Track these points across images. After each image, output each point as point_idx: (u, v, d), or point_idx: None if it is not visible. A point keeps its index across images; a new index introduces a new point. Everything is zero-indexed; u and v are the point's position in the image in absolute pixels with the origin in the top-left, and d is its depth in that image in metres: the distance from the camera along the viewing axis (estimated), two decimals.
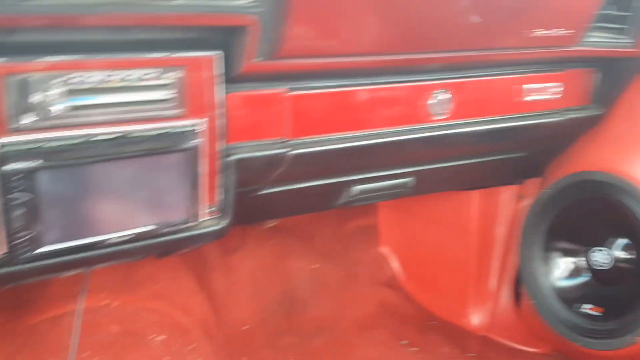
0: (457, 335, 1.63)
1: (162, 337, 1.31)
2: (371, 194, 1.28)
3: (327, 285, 1.67)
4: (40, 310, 1.24)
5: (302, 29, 0.91)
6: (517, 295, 1.65)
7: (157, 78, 0.87)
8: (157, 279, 1.38)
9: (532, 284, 1.48)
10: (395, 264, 1.81)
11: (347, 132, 1.09)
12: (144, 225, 0.91)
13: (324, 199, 1.26)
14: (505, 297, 1.66)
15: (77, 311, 1.19)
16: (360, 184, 1.25)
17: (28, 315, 1.22)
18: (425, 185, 1.38)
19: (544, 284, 1.47)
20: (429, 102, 1.17)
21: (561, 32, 1.18)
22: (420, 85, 1.15)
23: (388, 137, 1.14)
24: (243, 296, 1.54)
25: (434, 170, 1.34)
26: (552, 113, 1.36)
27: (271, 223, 1.64)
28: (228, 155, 0.98)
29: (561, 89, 1.36)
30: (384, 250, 1.82)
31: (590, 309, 1.41)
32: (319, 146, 1.07)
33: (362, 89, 1.09)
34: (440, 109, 1.19)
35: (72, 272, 1.06)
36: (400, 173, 1.29)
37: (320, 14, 0.92)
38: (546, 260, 1.49)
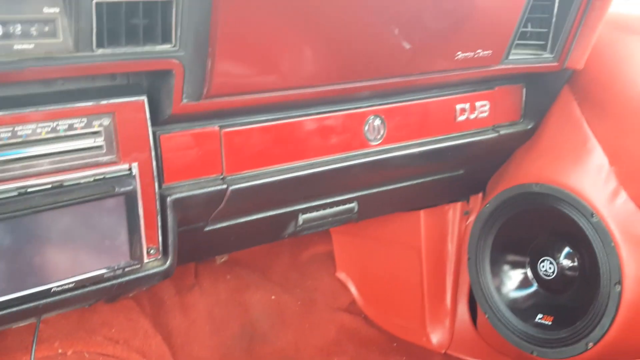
0: (419, 355, 1.65)
1: None
2: (317, 222, 1.31)
3: (286, 316, 1.67)
4: None
5: (226, 69, 0.95)
6: (474, 311, 1.68)
7: (87, 126, 0.90)
8: (111, 323, 1.38)
9: (485, 299, 1.51)
10: (353, 289, 1.82)
11: (284, 164, 1.12)
12: (89, 271, 0.92)
13: (271, 230, 1.29)
14: (462, 313, 1.69)
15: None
16: (305, 213, 1.28)
17: None
18: (370, 209, 1.42)
19: (495, 298, 1.50)
20: (364, 128, 1.22)
21: (483, 53, 1.24)
22: (353, 113, 1.19)
23: (326, 165, 1.17)
24: (202, 334, 1.53)
25: (377, 194, 1.38)
26: (485, 130, 1.41)
27: (222, 258, 1.65)
28: (167, 196, 1.00)
29: (491, 106, 1.41)
30: (341, 275, 1.84)
31: (542, 318, 1.44)
32: (257, 180, 1.09)
33: (296, 120, 1.13)
34: (375, 135, 1.23)
35: (23, 323, 1.05)
36: (344, 199, 1.33)
37: (242, 52, 0.95)
38: (496, 274, 1.52)
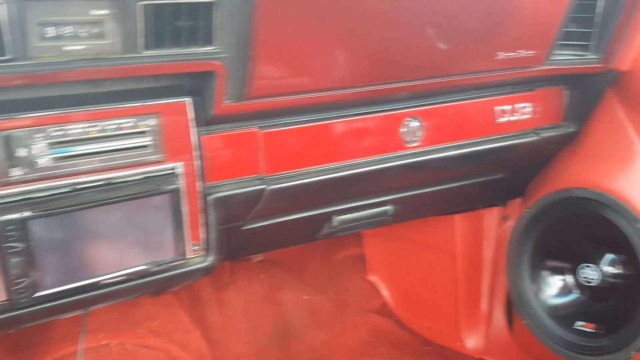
0: (453, 359, 1.64)
1: None
2: (352, 224, 1.31)
3: (319, 316, 1.69)
4: (43, 352, 1.27)
5: (268, 70, 0.97)
6: (510, 317, 1.65)
7: (134, 126, 0.93)
8: (153, 317, 1.42)
9: (523, 305, 1.49)
10: (385, 291, 1.82)
11: (322, 165, 1.14)
12: (135, 266, 0.96)
13: (306, 231, 1.30)
14: (498, 318, 1.67)
15: (79, 352, 1.22)
16: (341, 215, 1.29)
17: (31, 358, 1.25)
18: (405, 213, 1.41)
19: (534, 304, 1.48)
20: (401, 130, 1.22)
21: (524, 53, 1.22)
22: (391, 115, 1.19)
23: (363, 167, 1.18)
24: (237, 330, 1.56)
25: (413, 197, 1.37)
26: (526, 133, 1.39)
27: (257, 258, 1.68)
28: (209, 195, 1.02)
29: (532, 108, 1.39)
30: (372, 278, 1.84)
31: (583, 325, 1.41)
32: (295, 180, 1.11)
33: (334, 122, 1.14)
34: (413, 137, 1.23)
35: (70, 314, 1.09)
36: (380, 202, 1.32)
37: (284, 54, 0.97)
38: (535, 280, 1.50)
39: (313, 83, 1.04)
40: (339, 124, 1.14)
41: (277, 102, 1.03)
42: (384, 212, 1.35)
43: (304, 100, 1.06)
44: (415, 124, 1.23)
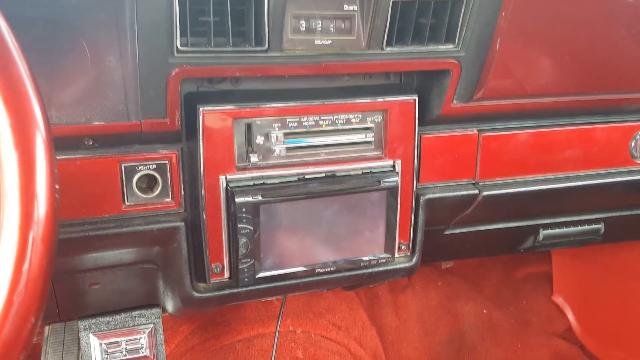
0: None
1: None
2: (558, 240, 1.23)
3: (498, 332, 1.61)
4: (236, 330, 1.35)
5: (503, 71, 0.93)
6: None
7: (362, 122, 0.94)
8: (334, 310, 1.44)
9: None
10: (570, 315, 1.68)
11: (539, 175, 1.07)
12: (348, 257, 0.97)
13: (508, 242, 1.24)
14: None
15: (276, 334, 1.26)
16: (547, 229, 1.21)
17: (225, 335, 1.34)
18: (617, 233, 1.30)
19: None
20: (630, 144, 1.11)
21: None
22: (620, 127, 1.10)
23: (583, 180, 1.09)
24: (411, 335, 1.54)
25: (629, 217, 1.25)
26: None
27: (447, 264, 1.63)
28: (420, 195, 1.01)
29: None
30: (558, 299, 1.71)
31: None
32: (509, 188, 1.06)
33: (556, 129, 1.07)
34: None
35: (276, 297, 1.13)
36: (590, 219, 1.23)
37: (522, 55, 0.93)
38: None
39: (541, 87, 0.98)
40: (563, 132, 1.07)
41: (502, 105, 0.99)
42: (595, 231, 1.25)
43: (527, 105, 1.00)
44: None
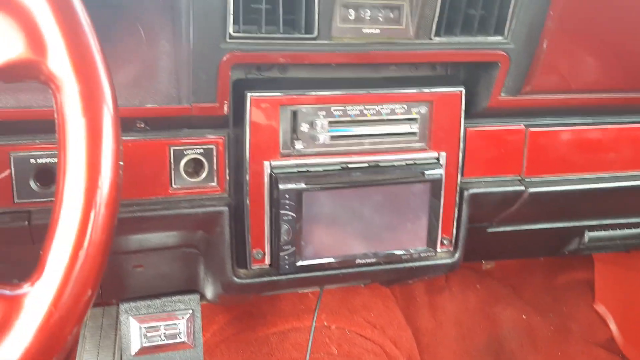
0: None
1: None
2: (604, 242, 1.19)
3: (537, 339, 1.56)
4: (271, 323, 1.36)
5: (552, 64, 0.92)
6: None
7: (407, 112, 0.93)
8: (370, 307, 1.43)
9: None
10: (612, 324, 1.63)
11: (587, 173, 1.05)
12: (389, 250, 0.96)
13: (553, 243, 1.21)
14: None
15: (312, 329, 1.26)
16: (593, 231, 1.18)
17: (260, 327, 1.35)
18: None
19: None
20: None
21: None
22: None
23: (630, 181, 1.06)
24: (448, 338, 1.51)
25: None
26: None
27: (488, 264, 1.61)
28: (464, 189, 1.00)
29: None
30: (600, 308, 1.66)
31: None
32: (556, 186, 1.03)
33: (604, 127, 1.04)
34: None
35: (314, 288, 1.12)
36: (638, 222, 1.19)
37: (572, 49, 0.92)
38: None
39: (590, 83, 0.96)
40: (611, 130, 1.04)
41: (550, 100, 0.97)
42: None
43: (575, 101, 0.98)
44: None
